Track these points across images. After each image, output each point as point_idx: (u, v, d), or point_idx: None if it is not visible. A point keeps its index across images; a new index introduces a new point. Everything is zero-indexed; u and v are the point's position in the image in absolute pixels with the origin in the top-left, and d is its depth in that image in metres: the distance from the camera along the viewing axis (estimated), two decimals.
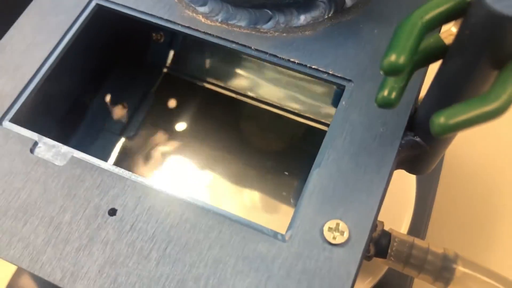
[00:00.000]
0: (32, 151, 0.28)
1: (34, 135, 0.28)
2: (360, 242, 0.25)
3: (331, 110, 0.38)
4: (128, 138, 0.39)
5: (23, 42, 0.31)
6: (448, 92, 0.24)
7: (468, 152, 0.50)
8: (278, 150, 0.39)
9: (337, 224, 0.25)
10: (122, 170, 0.27)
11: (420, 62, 0.24)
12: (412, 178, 0.40)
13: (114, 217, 0.26)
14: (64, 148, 0.28)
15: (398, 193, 0.40)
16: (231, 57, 0.39)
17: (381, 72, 0.21)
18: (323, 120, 0.39)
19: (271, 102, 0.39)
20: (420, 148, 0.28)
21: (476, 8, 0.20)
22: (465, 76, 0.22)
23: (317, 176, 0.26)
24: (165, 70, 0.41)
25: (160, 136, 0.39)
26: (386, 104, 0.23)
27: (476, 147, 0.51)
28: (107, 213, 0.26)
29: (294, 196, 0.37)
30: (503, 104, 0.20)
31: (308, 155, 0.37)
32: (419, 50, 0.23)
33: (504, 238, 0.47)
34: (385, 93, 0.23)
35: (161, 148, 0.39)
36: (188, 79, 0.41)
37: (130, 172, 0.27)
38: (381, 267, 0.37)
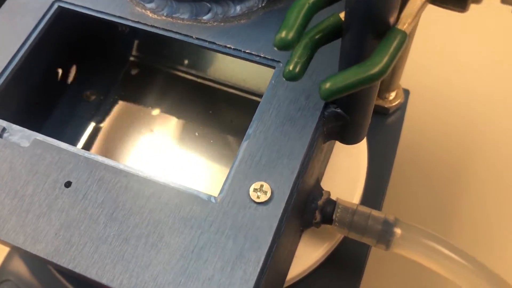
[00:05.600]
0: (0, 136, 0.32)
1: (3, 123, 0.32)
2: (281, 200, 0.28)
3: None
4: (96, 123, 0.43)
5: None
6: (348, 64, 0.27)
7: (425, 124, 0.53)
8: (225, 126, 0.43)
9: (261, 186, 0.28)
10: (77, 148, 0.31)
11: (323, 39, 0.27)
12: (364, 153, 0.43)
13: (69, 188, 0.30)
14: (28, 132, 0.32)
15: (350, 168, 0.43)
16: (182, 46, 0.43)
17: (274, 48, 0.24)
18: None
19: (222, 82, 0.43)
20: (343, 119, 0.31)
21: None
22: (356, 48, 0.25)
23: (246, 146, 0.30)
24: (131, 58, 0.45)
25: (122, 119, 0.43)
26: (291, 77, 0.26)
27: (434, 117, 0.54)
28: (63, 185, 0.30)
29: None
30: (381, 69, 0.23)
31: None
32: (321, 29, 0.27)
33: (463, 209, 0.50)
34: (290, 67, 0.26)
35: (121, 129, 0.43)
36: (151, 64, 0.45)
37: (84, 150, 0.31)
38: (335, 235, 0.41)
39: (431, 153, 0.52)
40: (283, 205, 0.28)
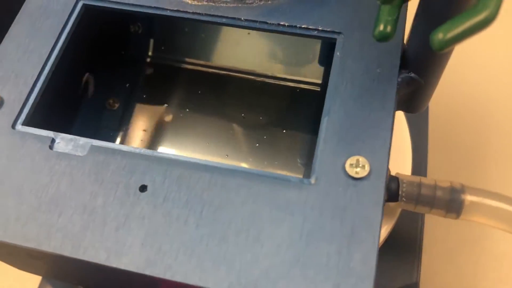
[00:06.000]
0: (51, 147, 0.28)
1: (49, 133, 0.29)
2: (381, 172, 0.26)
3: (316, 69, 0.40)
4: (123, 131, 0.40)
5: (19, 50, 0.32)
6: (436, 21, 0.26)
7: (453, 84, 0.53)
8: (273, 117, 0.40)
9: (357, 160, 0.27)
10: (143, 149, 0.28)
11: None
12: (405, 126, 0.42)
13: (145, 192, 0.27)
14: (82, 140, 0.29)
15: (395, 141, 0.41)
16: (210, 35, 0.41)
17: (378, 2, 0.22)
18: (310, 81, 0.41)
19: (257, 73, 0.41)
20: (415, 83, 0.30)
21: None
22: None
23: (327, 122, 0.28)
24: (148, 59, 0.42)
25: (157, 118, 0.40)
26: (383, 37, 0.25)
27: (463, 77, 0.54)
28: (137, 190, 0.27)
29: (300, 155, 0.38)
30: (492, 12, 0.22)
31: (303, 116, 0.39)
32: None
33: (498, 158, 0.50)
34: (381, 27, 0.25)
35: (165, 128, 0.40)
36: (170, 63, 0.42)
37: (151, 150, 0.28)
38: (394, 212, 0.39)
39: (459, 125, 0.52)
40: (384, 177, 0.26)
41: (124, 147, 0.28)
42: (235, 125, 0.40)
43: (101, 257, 0.25)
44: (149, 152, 0.28)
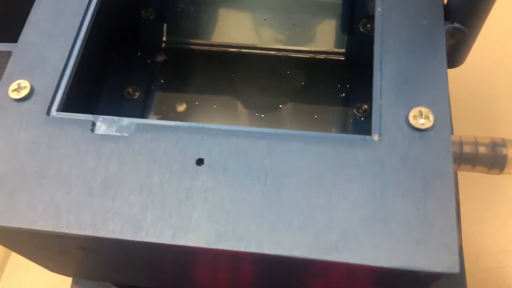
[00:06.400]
0: (92, 130, 0.27)
1: (88, 116, 0.27)
2: (445, 121, 0.26)
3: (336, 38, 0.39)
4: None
5: (43, 36, 0.30)
6: None
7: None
8: (299, 92, 0.39)
9: (420, 111, 0.26)
10: (193, 123, 0.26)
11: None
12: None
13: (203, 166, 0.25)
14: (126, 120, 0.27)
15: None
16: (225, 14, 0.40)
17: None
18: (332, 50, 0.40)
19: (274, 47, 0.40)
20: (459, 33, 0.29)
21: None
22: None
23: (380, 77, 0.27)
24: (163, 45, 0.41)
25: (180, 103, 0.39)
26: None
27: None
28: (195, 164, 0.25)
29: (335, 126, 0.37)
30: None
31: (328, 85, 0.38)
32: None
33: None
34: None
35: (190, 113, 0.38)
36: (185, 47, 0.41)
37: (201, 123, 0.27)
38: None
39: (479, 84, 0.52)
40: (449, 126, 0.25)
41: (171, 123, 0.27)
42: (256, 101, 0.39)
43: (166, 236, 0.24)
44: (199, 125, 0.26)
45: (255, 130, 0.26)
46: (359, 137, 0.26)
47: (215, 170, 0.25)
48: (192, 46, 0.41)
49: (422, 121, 0.25)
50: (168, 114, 0.38)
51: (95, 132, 0.27)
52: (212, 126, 0.26)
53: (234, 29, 0.41)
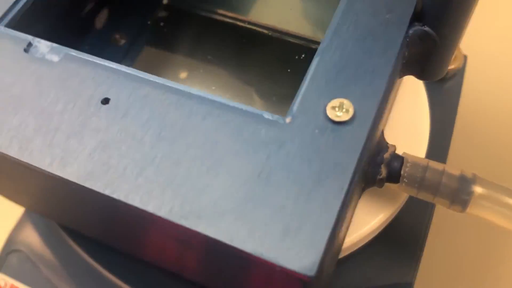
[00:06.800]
0: (26, 50, 0.27)
1: (28, 37, 0.27)
2: (366, 120, 0.23)
3: None
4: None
5: None
6: None
7: (484, 90, 0.48)
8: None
9: (341, 103, 0.23)
10: (117, 64, 0.26)
11: None
12: (425, 106, 0.38)
13: (107, 105, 0.25)
14: (61, 48, 0.27)
15: (410, 117, 0.38)
16: None
17: None
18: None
19: (270, 26, 0.39)
20: (429, 39, 0.27)
21: None
22: None
23: (319, 61, 0.25)
24: (165, 1, 0.40)
25: (159, 61, 0.38)
26: None
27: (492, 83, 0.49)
28: (100, 102, 0.25)
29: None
30: None
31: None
32: None
33: None
34: None
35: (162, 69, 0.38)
36: (187, 9, 0.40)
37: (125, 66, 0.26)
38: (397, 198, 0.35)
39: (491, 119, 0.47)
40: (368, 125, 0.23)
41: (99, 60, 0.26)
42: (232, 75, 0.37)
43: (45, 162, 0.23)
44: (122, 67, 0.26)
45: (170, 83, 0.25)
46: (271, 115, 0.24)
47: (116, 113, 0.24)
48: (196, 10, 0.41)
49: (339, 113, 0.23)
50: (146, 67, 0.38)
51: (28, 52, 0.27)
52: (132, 71, 0.26)
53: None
